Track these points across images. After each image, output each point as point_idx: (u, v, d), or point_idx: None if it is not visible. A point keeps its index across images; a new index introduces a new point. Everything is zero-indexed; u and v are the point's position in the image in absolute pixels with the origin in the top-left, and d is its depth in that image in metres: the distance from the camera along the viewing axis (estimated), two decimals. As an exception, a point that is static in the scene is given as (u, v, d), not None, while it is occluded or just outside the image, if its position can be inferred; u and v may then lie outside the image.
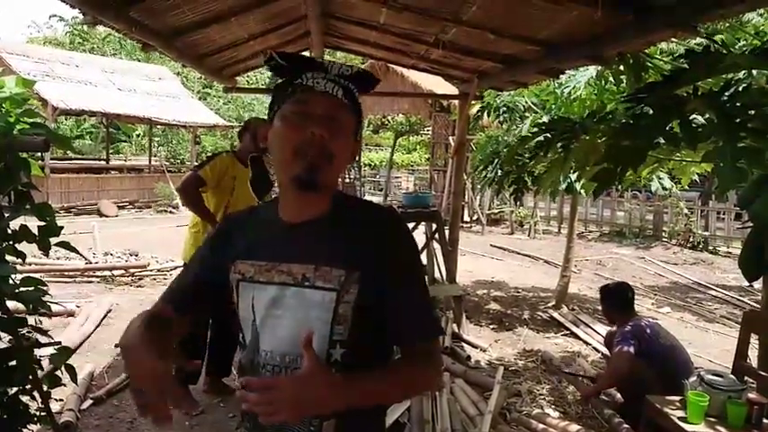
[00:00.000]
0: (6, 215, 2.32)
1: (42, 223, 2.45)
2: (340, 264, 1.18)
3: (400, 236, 1.26)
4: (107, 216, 14.10)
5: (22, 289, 2.37)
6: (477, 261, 10.01)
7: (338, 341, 1.18)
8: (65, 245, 2.52)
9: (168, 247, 9.67)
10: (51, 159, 14.70)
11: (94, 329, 5.65)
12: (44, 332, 2.49)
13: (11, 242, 2.39)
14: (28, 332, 2.43)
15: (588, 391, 4.21)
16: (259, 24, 4.49)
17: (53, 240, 2.48)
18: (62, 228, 2.46)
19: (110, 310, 6.25)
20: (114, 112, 15.55)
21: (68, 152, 23.00)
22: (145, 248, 9.44)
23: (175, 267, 8.37)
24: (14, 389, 2.40)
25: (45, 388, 2.49)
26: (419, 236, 7.15)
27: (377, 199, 19.82)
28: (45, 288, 2.48)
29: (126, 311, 6.33)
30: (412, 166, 26.56)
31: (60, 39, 29.90)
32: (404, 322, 1.20)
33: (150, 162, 18.56)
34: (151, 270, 8.01)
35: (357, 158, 19.37)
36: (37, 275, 6.58)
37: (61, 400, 3.91)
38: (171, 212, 15.46)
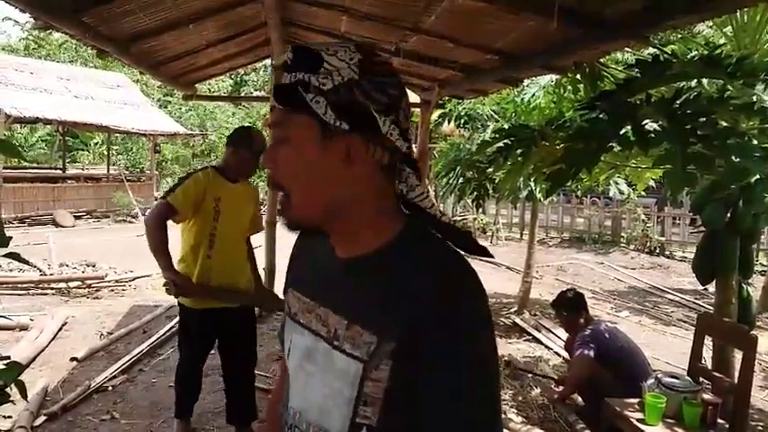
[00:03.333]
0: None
1: (-10, 234, 2.36)
2: (370, 325, 0.88)
3: (459, 305, 0.87)
4: (63, 226, 13.73)
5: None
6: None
7: (364, 425, 0.89)
8: (14, 256, 2.43)
9: (127, 258, 9.47)
10: (4, 169, 14.25)
11: (49, 343, 5.48)
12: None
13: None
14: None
15: (553, 397, 4.26)
16: (217, 32, 4.45)
17: (1, 251, 2.39)
18: (11, 238, 2.37)
19: (65, 323, 6.08)
20: (71, 120, 15.15)
21: (21, 161, 22.40)
22: (103, 259, 9.22)
23: (134, 278, 8.20)
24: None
25: (-8, 405, 2.39)
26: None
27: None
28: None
29: (82, 323, 6.17)
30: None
31: (15, 45, 29.12)
32: (432, 414, 0.83)
33: (108, 171, 18.16)
34: (109, 281, 7.82)
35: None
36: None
37: (9, 417, 3.78)
38: (130, 222, 15.15)
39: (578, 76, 3.99)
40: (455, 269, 0.91)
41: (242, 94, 26.37)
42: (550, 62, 3.71)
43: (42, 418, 3.96)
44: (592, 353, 3.87)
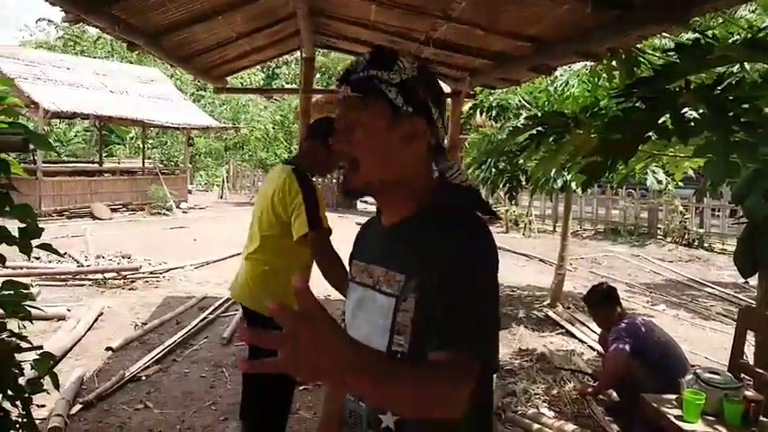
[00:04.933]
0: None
1: (23, 225, 2.39)
2: (401, 268, 1.14)
3: (465, 249, 1.09)
4: (100, 219, 14.01)
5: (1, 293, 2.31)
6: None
7: (398, 352, 1.12)
8: (47, 247, 2.46)
9: (161, 250, 9.62)
10: (44, 163, 14.59)
11: (85, 333, 5.59)
12: (23, 337, 2.42)
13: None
14: (8, 337, 2.37)
15: (587, 392, 4.17)
16: (246, 23, 4.44)
17: (34, 243, 2.42)
18: (43, 230, 2.40)
19: (101, 314, 6.19)
20: (106, 115, 15.43)
21: (62, 156, 22.91)
22: (138, 251, 9.36)
23: (168, 270, 8.32)
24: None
25: (27, 394, 2.43)
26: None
27: (371, 200, 19.77)
28: (27, 292, 2.42)
29: (117, 314, 6.28)
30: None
31: (52, 42, 29.76)
32: (435, 328, 1.04)
33: (144, 164, 18.46)
34: (143, 273, 7.93)
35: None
36: (27, 279, 6.57)
37: (43, 406, 3.86)
38: (165, 215, 15.39)
39: (614, 63, 3.88)
40: (472, 229, 1.12)
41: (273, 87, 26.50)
42: (585, 48, 3.61)
43: (78, 407, 4.03)
44: (627, 347, 3.77)
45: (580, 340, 5.72)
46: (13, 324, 2.51)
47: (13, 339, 2.41)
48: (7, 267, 7.93)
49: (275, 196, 2.78)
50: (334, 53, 25.53)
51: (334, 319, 0.82)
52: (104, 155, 21.22)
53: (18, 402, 2.41)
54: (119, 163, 21.04)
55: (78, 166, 17.74)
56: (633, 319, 4.04)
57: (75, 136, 25.22)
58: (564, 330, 6.05)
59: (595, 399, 4.11)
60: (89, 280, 7.58)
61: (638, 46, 3.65)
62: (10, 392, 2.35)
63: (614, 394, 4.17)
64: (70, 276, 7.61)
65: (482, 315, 1.06)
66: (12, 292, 2.31)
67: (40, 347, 2.50)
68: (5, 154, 2.47)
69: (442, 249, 1.07)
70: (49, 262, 8.39)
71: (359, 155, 1.15)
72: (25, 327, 2.61)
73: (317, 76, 26.24)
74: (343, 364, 0.81)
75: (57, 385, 2.62)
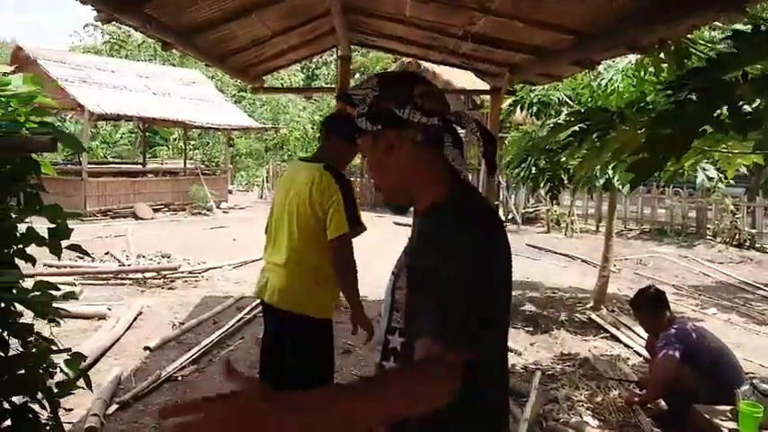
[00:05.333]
0: (14, 218, 2.24)
1: (52, 225, 2.36)
2: (407, 253, 1.32)
3: (448, 245, 1.15)
4: (143, 219, 14.26)
5: (31, 294, 2.28)
6: (515, 262, 9.74)
7: (396, 328, 1.26)
8: (76, 248, 2.43)
9: (200, 250, 9.70)
10: (89, 164, 14.93)
11: (124, 332, 5.63)
12: (50, 340, 2.40)
13: (19, 246, 2.31)
14: (36, 339, 2.35)
15: (634, 401, 3.98)
16: (280, 21, 4.38)
17: (64, 243, 2.39)
18: (72, 230, 2.37)
19: (140, 313, 6.24)
20: (149, 116, 15.72)
21: (108, 157, 23.46)
22: (178, 251, 9.46)
23: (207, 269, 8.37)
24: (23, 398, 2.32)
25: (55, 397, 2.40)
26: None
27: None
28: (56, 293, 2.40)
29: (156, 313, 6.33)
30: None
31: (99, 47, 30.53)
32: (421, 313, 1.12)
33: (185, 165, 18.75)
34: (182, 272, 8.00)
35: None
36: (70, 278, 6.67)
37: (71, 410, 3.88)
38: (205, 215, 15.58)
39: (662, 55, 3.69)
40: (453, 226, 1.18)
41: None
42: (631, 40, 3.43)
43: (115, 407, 4.04)
44: (677, 354, 3.58)
45: (625, 345, 5.50)
46: (43, 326, 2.49)
47: (42, 342, 2.39)
48: (51, 266, 8.14)
49: (314, 192, 2.70)
50: (373, 53, 25.50)
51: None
52: (148, 156, 21.65)
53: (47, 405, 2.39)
54: (162, 164, 21.42)
55: (122, 168, 18.12)
56: (683, 324, 3.84)
57: (122, 138, 25.81)
58: (608, 334, 5.84)
59: (643, 408, 3.92)
60: (130, 279, 7.68)
61: (689, 36, 3.45)
62: (39, 395, 2.33)
63: (663, 403, 3.97)
64: (112, 276, 7.72)
65: (467, 308, 1.09)
66: (40, 293, 2.28)
67: (69, 350, 2.47)
68: (38, 154, 2.46)
69: (438, 240, 1.16)
70: (92, 261, 8.54)
71: (376, 178, 1.35)
72: (59, 324, 2.59)
73: (356, 76, 26.26)
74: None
75: (89, 386, 2.60)
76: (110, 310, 6.22)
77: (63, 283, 7.13)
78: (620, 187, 5.39)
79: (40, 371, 2.33)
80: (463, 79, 13.14)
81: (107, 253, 9.12)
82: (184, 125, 17.35)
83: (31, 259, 2.37)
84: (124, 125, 23.08)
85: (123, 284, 7.54)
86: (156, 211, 15.19)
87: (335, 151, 2.87)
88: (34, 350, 2.34)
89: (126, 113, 14.88)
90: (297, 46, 5.48)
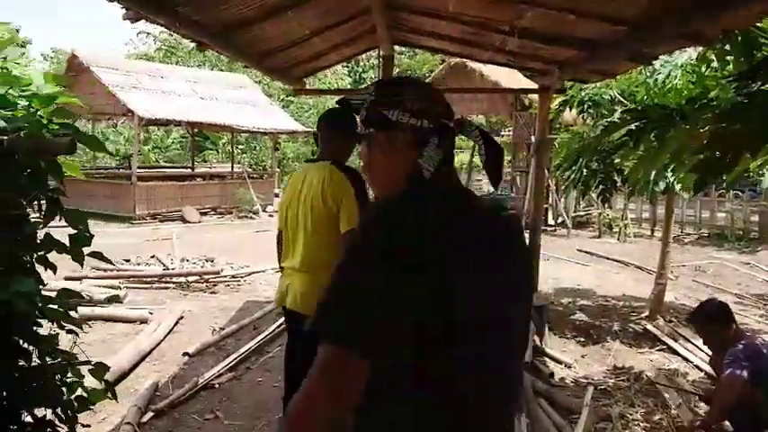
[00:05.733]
0: (33, 223, 2.15)
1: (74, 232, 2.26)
2: None
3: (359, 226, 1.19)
4: (190, 222, 14.42)
5: (51, 303, 2.18)
6: (562, 267, 9.41)
7: None
8: (98, 255, 2.33)
9: (244, 253, 9.69)
10: (138, 168, 15.20)
11: (165, 337, 5.60)
12: (69, 353, 2.30)
13: (40, 252, 2.21)
14: (56, 350, 2.25)
15: (695, 424, 3.67)
16: (319, 19, 4.24)
17: (86, 251, 2.29)
18: (92, 236, 2.26)
19: (181, 317, 6.21)
20: (197, 121, 15.91)
21: (160, 161, 23.96)
22: (222, 254, 9.48)
23: (249, 274, 8.33)
24: (43, 410, 2.23)
25: (71, 412, 2.30)
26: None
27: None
28: (78, 301, 2.30)
29: (197, 318, 6.29)
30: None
31: (152, 54, 31.26)
32: None
33: (233, 169, 18.95)
34: (225, 276, 7.97)
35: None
36: (115, 281, 6.70)
37: (105, 418, 3.82)
38: (251, 218, 15.67)
39: (727, 47, 3.40)
40: (370, 212, 1.23)
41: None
42: (692, 31, 3.15)
43: (150, 415, 3.97)
44: (745, 373, 3.26)
45: (684, 359, 5.16)
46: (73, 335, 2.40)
47: (64, 353, 2.29)
48: (99, 270, 8.25)
49: (326, 187, 2.69)
50: (420, 54, 25.32)
51: None
52: (198, 160, 21.98)
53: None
54: (210, 168, 21.71)
55: (170, 172, 18.42)
56: (752, 339, 3.52)
57: (173, 142, 26.32)
58: (665, 347, 5.49)
59: (707, 430, 3.61)
60: (173, 283, 7.69)
61: (758, 25, 3.15)
62: (59, 409, 2.23)
63: (727, 424, 3.65)
64: (156, 279, 7.74)
65: (331, 294, 1.08)
66: (58, 302, 2.17)
67: (89, 362, 2.36)
68: (64, 157, 2.37)
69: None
70: (138, 264, 8.63)
71: (369, 181, 1.37)
72: (84, 330, 2.49)
73: (402, 78, 26.01)
74: None
75: (115, 397, 2.50)
76: (151, 314, 6.21)
77: (108, 287, 7.21)
78: (680, 190, 5.06)
79: (61, 383, 2.23)
80: (512, 80, 12.84)
81: (153, 256, 9.20)
82: (231, 129, 17.52)
83: (51, 267, 2.27)
84: (175, 130, 23.51)
85: (167, 288, 7.56)
86: (203, 214, 15.36)
87: (335, 147, 2.86)
88: (55, 361, 2.24)
89: (174, 118, 15.10)
90: (337, 46, 5.33)
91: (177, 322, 6.05)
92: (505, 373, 1.19)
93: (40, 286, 2.13)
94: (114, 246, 10.59)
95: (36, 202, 2.24)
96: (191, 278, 7.73)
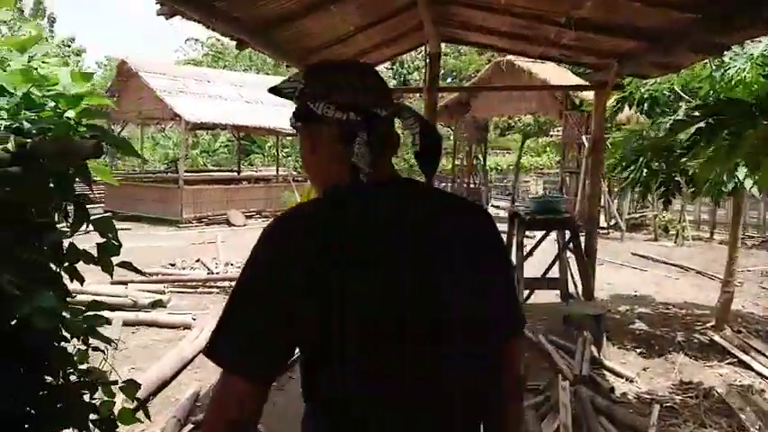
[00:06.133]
0: (59, 231, 2.01)
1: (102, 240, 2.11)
2: None
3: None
4: (236, 226, 14.48)
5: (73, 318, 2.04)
6: (616, 272, 8.99)
7: None
8: (126, 265, 2.18)
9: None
10: (186, 172, 15.34)
11: (207, 344, 5.48)
12: (93, 369, 2.15)
13: (66, 263, 2.07)
14: (85, 369, 2.10)
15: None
16: (363, 15, 4.05)
17: (115, 260, 2.14)
18: (120, 246, 2.11)
19: (224, 323, 6.09)
20: (242, 124, 15.99)
21: (207, 165, 24.27)
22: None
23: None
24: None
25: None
26: (550, 244, 6.40)
27: (504, 204, 18.99)
28: (106, 318, 2.15)
29: (240, 325, 6.16)
30: (541, 169, 25.37)
31: (199, 59, 31.82)
32: None
33: (278, 172, 19.00)
34: (268, 281, 7.86)
35: (482, 162, 18.69)
36: (160, 286, 6.65)
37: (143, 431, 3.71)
38: (296, 221, 15.62)
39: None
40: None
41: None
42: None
43: (190, 426, 3.85)
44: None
45: (759, 374, 4.76)
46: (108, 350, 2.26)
47: (89, 375, 2.14)
48: (145, 274, 8.26)
49: None
50: (465, 55, 24.98)
51: None
52: (245, 164, 22.14)
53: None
54: (255, 171, 21.86)
55: (216, 175, 18.58)
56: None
57: (220, 146, 26.67)
58: (735, 359, 5.09)
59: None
60: (217, 287, 7.63)
61: None
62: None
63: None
64: (200, 284, 7.69)
65: (225, 313, 1.04)
66: (81, 317, 2.03)
67: (115, 382, 2.21)
68: (95, 161, 2.24)
69: None
70: (183, 269, 8.62)
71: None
72: (104, 351, 2.35)
73: (448, 80, 25.80)
74: None
75: (147, 416, 2.36)
76: (194, 319, 6.13)
77: (153, 291, 7.18)
78: (757, 191, 4.68)
79: (88, 402, 2.09)
80: (562, 79, 12.47)
81: (197, 260, 9.18)
82: (276, 132, 17.55)
83: (78, 277, 2.13)
84: (222, 134, 23.78)
85: (210, 293, 7.50)
86: (248, 217, 15.41)
87: None
88: (81, 379, 2.10)
89: (220, 122, 15.20)
90: (382, 44, 5.13)
91: (220, 328, 5.94)
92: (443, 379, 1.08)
93: (67, 298, 1.99)
94: (161, 249, 10.69)
95: (63, 209, 2.10)
96: (233, 283, 7.64)
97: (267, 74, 23.37)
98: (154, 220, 14.41)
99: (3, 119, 2.02)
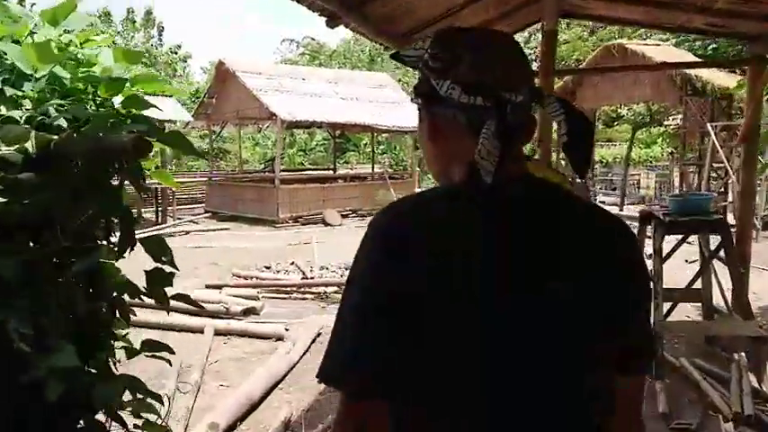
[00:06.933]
0: (97, 255, 1.52)
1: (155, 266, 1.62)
2: None
3: None
4: (331, 225, 14.21)
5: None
6: (759, 277, 7.82)
7: None
8: (183, 298, 1.68)
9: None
10: (282, 171, 15.28)
11: (300, 358, 5.07)
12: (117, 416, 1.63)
13: (114, 296, 1.60)
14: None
15: None
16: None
17: (170, 291, 1.64)
18: (173, 275, 1.60)
19: (319, 334, 5.65)
20: (337, 122, 15.74)
21: (305, 164, 24.42)
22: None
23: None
24: None
25: None
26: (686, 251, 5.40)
27: (611, 200, 17.68)
28: (146, 391, 1.65)
29: (335, 336, 5.71)
30: (650, 161, 23.58)
31: (295, 59, 32.21)
32: None
33: (373, 170, 18.66)
34: (365, 286, 7.39)
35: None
36: (254, 291, 6.31)
37: None
38: (393, 220, 15.20)
39: None
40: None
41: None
42: None
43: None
44: None
45: None
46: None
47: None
48: (240, 278, 8.03)
49: None
50: (568, 43, 23.59)
51: None
52: (341, 162, 22.03)
53: None
54: (351, 169, 21.68)
55: (312, 174, 18.50)
56: None
57: (317, 145, 26.82)
58: None
59: None
60: (312, 293, 7.24)
61: None
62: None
63: None
64: (294, 289, 7.33)
65: (336, 332, 0.90)
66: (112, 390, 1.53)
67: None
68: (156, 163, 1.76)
69: None
70: (277, 272, 8.32)
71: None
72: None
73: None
74: None
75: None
76: (287, 330, 5.73)
77: (247, 297, 6.89)
78: None
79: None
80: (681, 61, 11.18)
81: (292, 263, 8.87)
82: (371, 129, 17.20)
83: (126, 316, 1.65)
84: (319, 133, 23.81)
85: (305, 299, 7.13)
86: (344, 216, 15.12)
87: None
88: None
89: (315, 119, 15.01)
90: (492, 20, 4.46)
91: (314, 340, 5.50)
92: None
93: (102, 351, 1.50)
94: (258, 250, 10.52)
95: (104, 225, 1.62)
96: (329, 288, 7.23)
97: (362, 69, 23.12)
98: (252, 220, 14.41)
99: (27, 109, 1.56)
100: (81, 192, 1.49)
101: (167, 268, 1.62)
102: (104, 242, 1.62)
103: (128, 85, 1.72)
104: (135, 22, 31.40)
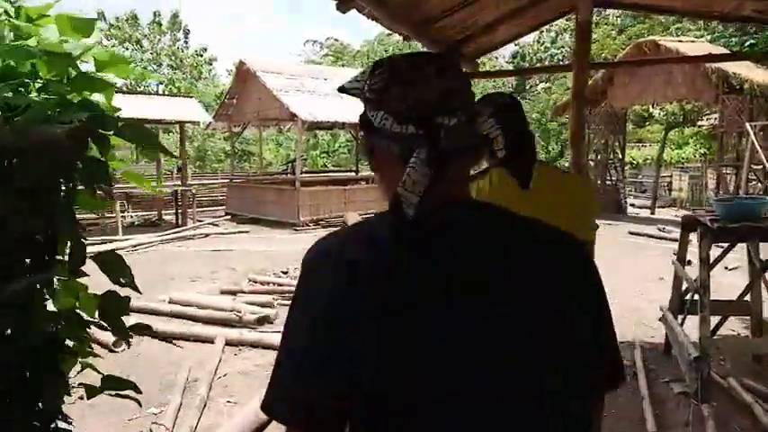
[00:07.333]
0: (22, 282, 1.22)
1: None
2: None
3: None
4: (353, 228, 13.94)
5: None
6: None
7: None
8: (143, 329, 1.37)
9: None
10: (303, 173, 15.03)
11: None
12: None
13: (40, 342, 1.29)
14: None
15: None
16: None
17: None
18: (129, 299, 1.29)
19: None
20: (357, 122, 15.51)
21: (328, 165, 24.20)
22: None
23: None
24: None
25: None
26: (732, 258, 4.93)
27: (640, 203, 17.10)
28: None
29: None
30: (682, 163, 22.86)
31: (318, 60, 32.09)
32: None
33: (395, 171, 18.37)
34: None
35: (620, 157, 16.88)
36: (269, 297, 6.00)
37: None
38: (415, 223, 14.88)
39: None
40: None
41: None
42: None
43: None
44: None
45: None
46: None
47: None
48: (256, 283, 7.78)
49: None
50: (597, 42, 23.02)
51: None
52: (364, 163, 21.75)
53: None
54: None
55: (333, 176, 18.24)
56: None
57: (340, 147, 26.61)
58: None
59: None
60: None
61: None
62: None
63: None
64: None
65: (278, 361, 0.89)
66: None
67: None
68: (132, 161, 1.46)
69: None
70: (294, 278, 8.04)
71: None
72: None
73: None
74: None
75: None
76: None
77: (261, 303, 6.60)
78: None
79: None
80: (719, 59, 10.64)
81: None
82: (394, 130, 16.91)
83: (80, 347, 1.34)
84: (342, 134, 23.60)
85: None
86: (365, 219, 14.83)
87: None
88: None
89: (336, 120, 14.75)
90: (520, 9, 4.10)
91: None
92: None
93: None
94: (276, 254, 10.27)
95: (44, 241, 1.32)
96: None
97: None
98: (272, 223, 14.17)
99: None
100: (12, 202, 1.19)
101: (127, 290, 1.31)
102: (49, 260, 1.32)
103: (92, 69, 1.44)
104: (161, 24, 31.56)
